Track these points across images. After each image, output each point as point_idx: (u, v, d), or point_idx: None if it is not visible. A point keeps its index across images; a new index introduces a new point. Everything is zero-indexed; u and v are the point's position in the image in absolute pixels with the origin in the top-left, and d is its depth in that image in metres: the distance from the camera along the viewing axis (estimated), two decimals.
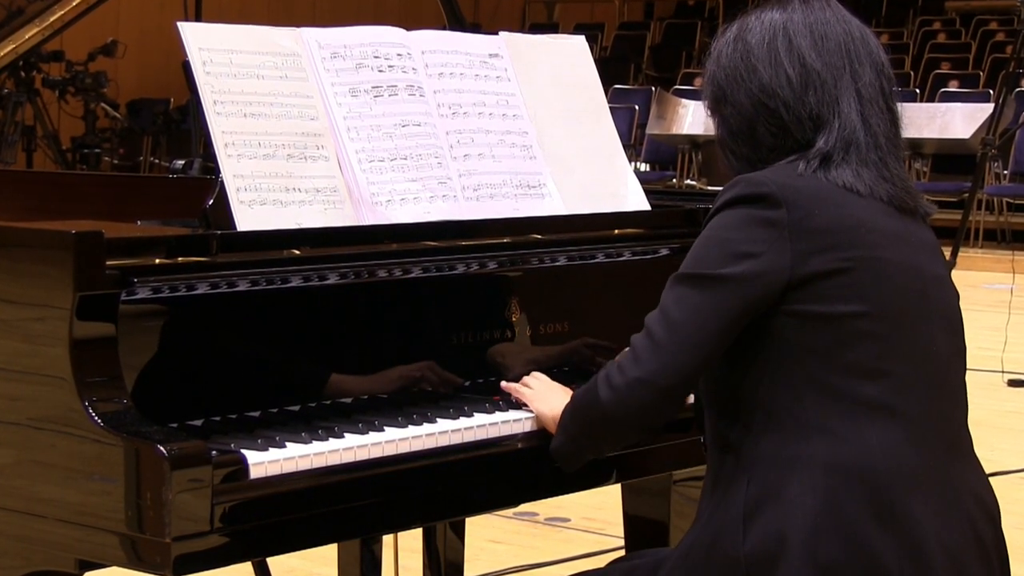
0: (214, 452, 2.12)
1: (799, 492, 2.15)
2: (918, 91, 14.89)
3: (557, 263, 2.74)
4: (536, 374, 2.54)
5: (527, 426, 2.46)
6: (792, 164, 2.25)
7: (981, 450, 2.35)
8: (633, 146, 13.77)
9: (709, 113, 2.35)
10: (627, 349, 2.24)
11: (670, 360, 2.18)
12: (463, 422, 2.40)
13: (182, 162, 2.72)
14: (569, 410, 2.34)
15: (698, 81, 15.36)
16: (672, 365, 2.19)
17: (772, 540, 2.14)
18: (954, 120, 12.73)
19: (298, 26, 2.61)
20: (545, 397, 2.45)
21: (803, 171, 2.23)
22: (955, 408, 2.29)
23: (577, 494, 2.65)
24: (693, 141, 13.81)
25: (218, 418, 2.30)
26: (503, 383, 2.52)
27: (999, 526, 2.30)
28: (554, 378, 2.57)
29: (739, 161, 2.31)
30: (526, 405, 2.50)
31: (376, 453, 2.28)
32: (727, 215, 2.22)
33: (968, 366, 2.35)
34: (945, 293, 2.32)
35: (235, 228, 2.39)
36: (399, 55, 2.68)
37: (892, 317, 2.21)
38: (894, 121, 2.32)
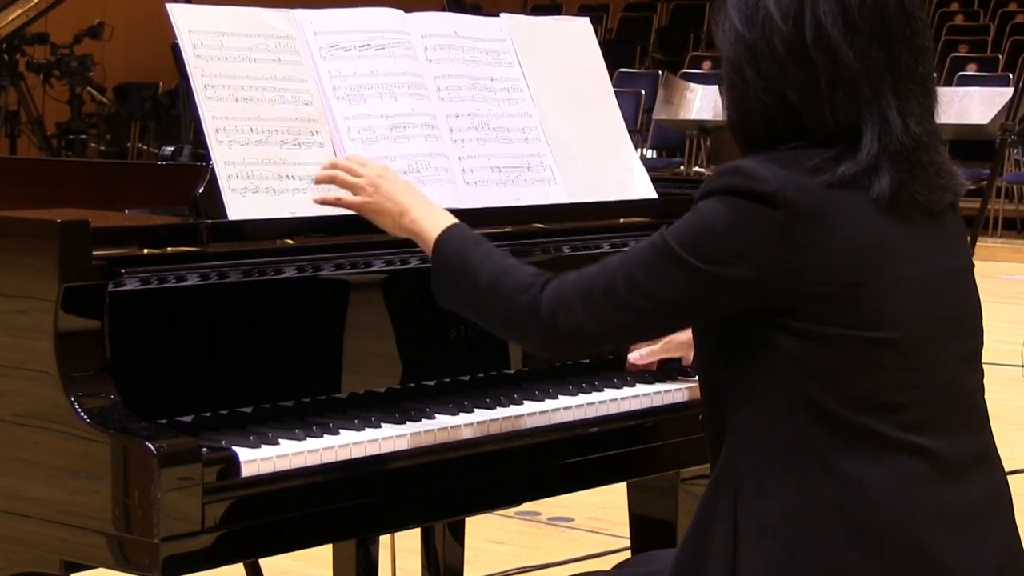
0: (204, 449, 2.11)
1: (780, 524, 2.00)
2: (935, 75, 14.79)
3: (561, 253, 2.71)
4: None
5: (529, 423, 2.42)
6: (808, 158, 1.99)
7: (999, 447, 2.29)
8: (639, 132, 13.74)
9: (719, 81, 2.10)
10: (584, 280, 2.07)
11: (621, 322, 2.04)
12: (462, 418, 2.37)
13: (171, 148, 2.77)
14: (487, 282, 2.18)
15: (707, 64, 15.34)
16: (619, 328, 2.06)
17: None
18: (972, 105, 12.62)
19: (292, 7, 2.59)
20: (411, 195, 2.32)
21: (819, 172, 1.98)
22: (973, 418, 2.15)
23: (581, 493, 2.64)
24: (701, 127, 13.78)
25: (209, 414, 2.28)
26: None
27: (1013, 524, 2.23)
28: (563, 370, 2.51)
29: (748, 145, 2.06)
30: (529, 400, 2.45)
31: (372, 450, 2.25)
32: (720, 203, 1.97)
33: (985, 360, 2.27)
34: (959, 291, 2.14)
35: (226, 217, 2.36)
36: (397, 38, 2.63)
37: (903, 347, 2.02)
38: (930, 108, 2.12)
